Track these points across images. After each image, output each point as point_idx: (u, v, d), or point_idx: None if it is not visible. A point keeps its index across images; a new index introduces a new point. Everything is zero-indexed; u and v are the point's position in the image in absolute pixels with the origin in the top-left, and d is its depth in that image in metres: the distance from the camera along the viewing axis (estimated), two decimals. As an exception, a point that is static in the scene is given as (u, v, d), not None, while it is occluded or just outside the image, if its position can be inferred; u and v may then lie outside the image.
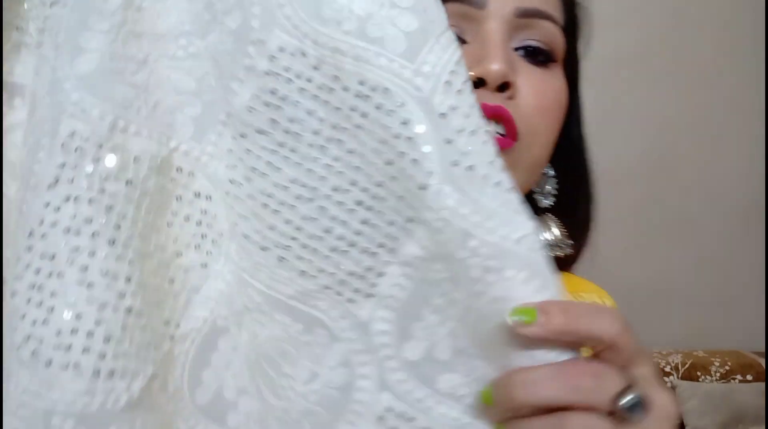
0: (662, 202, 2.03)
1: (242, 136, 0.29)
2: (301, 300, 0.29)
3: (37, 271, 0.26)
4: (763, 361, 1.83)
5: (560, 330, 0.25)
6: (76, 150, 0.26)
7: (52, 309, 0.26)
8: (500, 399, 0.26)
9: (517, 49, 0.40)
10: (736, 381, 1.79)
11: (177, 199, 0.30)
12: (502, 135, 0.38)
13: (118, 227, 0.27)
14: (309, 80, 0.28)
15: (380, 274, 0.28)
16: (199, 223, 0.31)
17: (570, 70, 0.45)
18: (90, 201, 0.26)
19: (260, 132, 0.29)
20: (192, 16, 0.30)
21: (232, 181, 0.30)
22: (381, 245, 0.28)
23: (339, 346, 0.29)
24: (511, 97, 0.38)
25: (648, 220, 1.98)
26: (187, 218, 0.31)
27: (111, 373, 0.26)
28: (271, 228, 0.29)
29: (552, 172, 0.46)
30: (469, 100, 0.26)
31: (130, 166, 0.28)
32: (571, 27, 0.45)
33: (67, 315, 0.26)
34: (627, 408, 0.25)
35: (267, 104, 0.29)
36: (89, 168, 0.27)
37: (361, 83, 0.26)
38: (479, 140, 0.26)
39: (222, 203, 0.30)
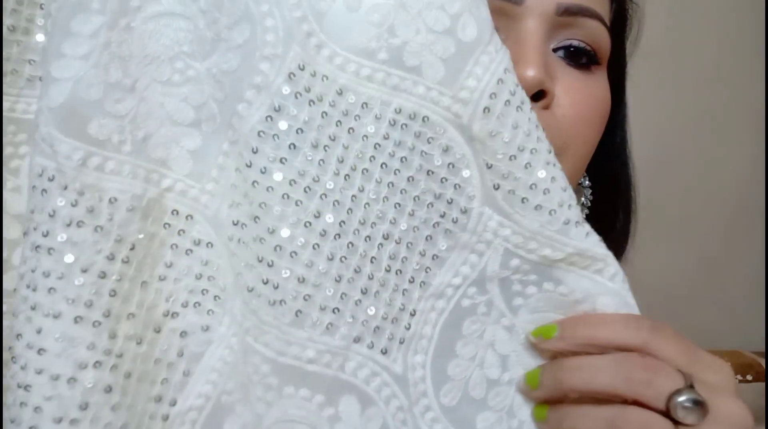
0: (662, 202, 2.03)
1: (248, 165, 0.26)
2: (324, 363, 0.25)
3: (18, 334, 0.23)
4: (763, 361, 1.83)
5: (580, 341, 0.25)
6: (42, 192, 0.23)
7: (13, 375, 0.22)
8: (548, 382, 0.26)
9: (556, 49, 0.37)
10: (736, 381, 1.79)
11: (172, 247, 0.26)
12: None
13: (81, 284, 0.23)
14: (333, 105, 0.26)
15: (413, 314, 0.27)
16: (198, 277, 0.27)
17: (615, 72, 0.41)
18: (49, 251, 0.23)
19: (274, 160, 0.26)
20: (190, 35, 0.26)
21: (235, 223, 0.26)
22: (412, 280, 0.27)
23: (373, 411, 0.25)
24: (546, 107, 0.35)
25: (648, 220, 1.97)
26: (185, 271, 0.27)
27: None
28: (285, 277, 0.24)
29: (587, 183, 0.43)
30: (510, 122, 0.26)
31: (104, 209, 0.24)
32: (619, 25, 0.41)
33: (20, 390, 0.22)
34: (682, 407, 0.25)
35: (285, 128, 0.26)
36: (51, 212, 0.23)
37: (398, 112, 0.26)
38: (520, 164, 0.26)
39: (225, 251, 0.26)
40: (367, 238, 0.26)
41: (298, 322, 0.25)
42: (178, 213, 0.26)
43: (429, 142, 0.26)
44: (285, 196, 0.25)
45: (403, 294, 0.27)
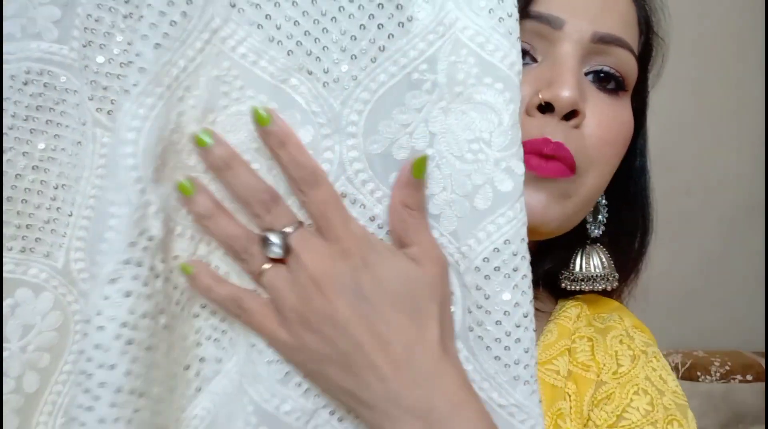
0: (662, 202, 2.01)
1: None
2: (295, 417, 0.31)
3: (88, 360, 0.27)
4: (763, 361, 1.83)
5: None
6: (144, 249, 0.28)
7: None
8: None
9: (587, 73, 0.38)
10: (736, 381, 1.79)
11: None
12: (561, 163, 0.36)
13: (156, 324, 0.29)
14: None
15: None
16: (222, 320, 0.32)
17: (637, 102, 0.43)
18: (148, 297, 0.28)
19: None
20: (257, 136, 0.31)
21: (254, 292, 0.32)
22: None
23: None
24: (577, 126, 0.37)
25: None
26: (213, 312, 0.32)
27: None
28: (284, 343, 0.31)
29: (604, 201, 0.45)
30: (495, 284, 0.31)
31: (169, 263, 0.30)
32: (645, 56, 0.43)
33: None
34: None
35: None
36: (150, 264, 0.29)
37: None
38: (492, 320, 0.31)
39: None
40: None
41: (284, 381, 0.31)
42: (218, 269, 0.32)
43: None
44: None
45: None
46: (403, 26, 0.30)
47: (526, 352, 0.31)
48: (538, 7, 0.37)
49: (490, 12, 0.30)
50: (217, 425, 0.31)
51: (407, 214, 0.31)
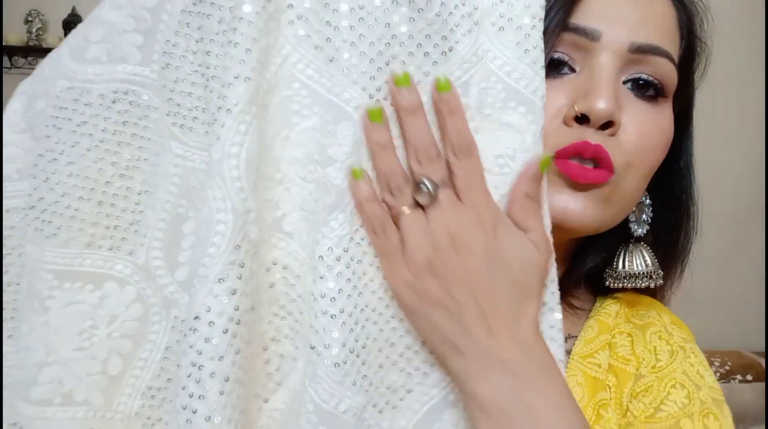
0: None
1: (337, 258, 0.34)
2: (351, 415, 0.34)
3: (199, 353, 0.31)
4: (763, 361, 1.84)
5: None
6: (246, 251, 0.32)
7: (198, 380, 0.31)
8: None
9: (626, 81, 0.39)
10: (736, 381, 1.79)
11: (285, 295, 0.36)
12: (598, 167, 0.37)
13: (252, 319, 0.33)
14: None
15: (409, 391, 0.35)
16: (296, 321, 0.35)
17: (681, 105, 0.44)
18: (248, 295, 0.32)
19: (355, 261, 0.34)
20: (320, 147, 0.35)
21: (312, 294, 0.34)
22: (417, 368, 0.35)
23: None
24: (612, 134, 0.38)
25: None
26: (289, 313, 0.36)
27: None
28: (342, 346, 0.34)
29: (648, 201, 0.46)
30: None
31: (254, 255, 0.33)
32: (687, 60, 0.43)
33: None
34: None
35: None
36: (247, 265, 0.32)
37: None
38: None
39: (309, 309, 0.35)
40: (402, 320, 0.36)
41: (341, 382, 0.33)
42: (292, 271, 0.35)
43: None
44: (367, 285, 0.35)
45: (406, 375, 0.36)
46: (445, 55, 0.34)
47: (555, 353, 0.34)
48: (576, 20, 0.38)
49: (517, 45, 0.34)
50: (288, 419, 0.35)
51: (529, 203, 0.34)
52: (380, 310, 0.35)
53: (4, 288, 0.36)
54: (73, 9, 2.16)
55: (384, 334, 0.35)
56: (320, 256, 0.33)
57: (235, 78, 0.31)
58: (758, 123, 2.05)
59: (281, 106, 0.33)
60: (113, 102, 0.34)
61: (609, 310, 0.45)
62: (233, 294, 0.31)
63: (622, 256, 0.45)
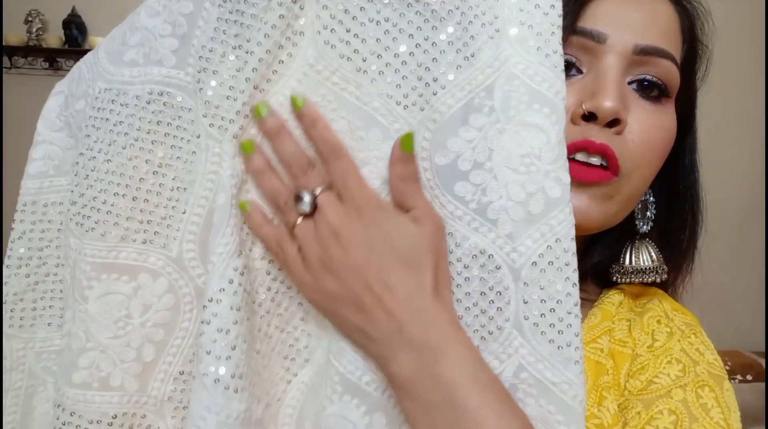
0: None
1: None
2: (374, 388, 0.36)
3: (226, 318, 0.34)
4: (763, 361, 1.84)
5: None
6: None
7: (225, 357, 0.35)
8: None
9: (631, 82, 0.41)
10: (736, 381, 1.80)
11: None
12: (604, 167, 0.39)
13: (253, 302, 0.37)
14: None
15: None
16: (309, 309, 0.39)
17: (684, 105, 0.45)
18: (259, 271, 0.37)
19: None
20: (350, 151, 0.38)
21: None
22: None
23: (384, 419, 0.37)
24: (619, 133, 0.39)
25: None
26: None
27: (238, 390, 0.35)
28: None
29: (652, 199, 0.47)
30: (548, 278, 0.35)
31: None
32: (689, 62, 0.45)
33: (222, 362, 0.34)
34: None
35: None
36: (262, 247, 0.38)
37: (472, 247, 0.36)
38: (547, 307, 0.35)
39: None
40: None
41: (366, 356, 0.36)
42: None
43: (488, 273, 0.36)
44: None
45: None
46: (467, 60, 0.35)
47: (576, 336, 0.35)
48: (583, 23, 0.40)
49: (538, 49, 0.36)
50: (315, 390, 0.38)
51: (404, 184, 0.36)
52: None
53: (43, 278, 0.39)
54: (73, 9, 2.17)
55: None
56: None
57: (246, 87, 0.35)
58: (759, 123, 2.05)
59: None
60: (148, 103, 0.36)
61: (612, 300, 0.46)
62: (246, 268, 0.35)
63: (628, 252, 0.46)
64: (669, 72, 0.41)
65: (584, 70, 0.40)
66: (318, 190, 0.36)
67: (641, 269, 0.45)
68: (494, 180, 0.36)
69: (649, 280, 0.45)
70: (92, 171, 0.37)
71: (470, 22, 0.35)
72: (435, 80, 0.35)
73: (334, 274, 0.35)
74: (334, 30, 0.35)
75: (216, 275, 0.33)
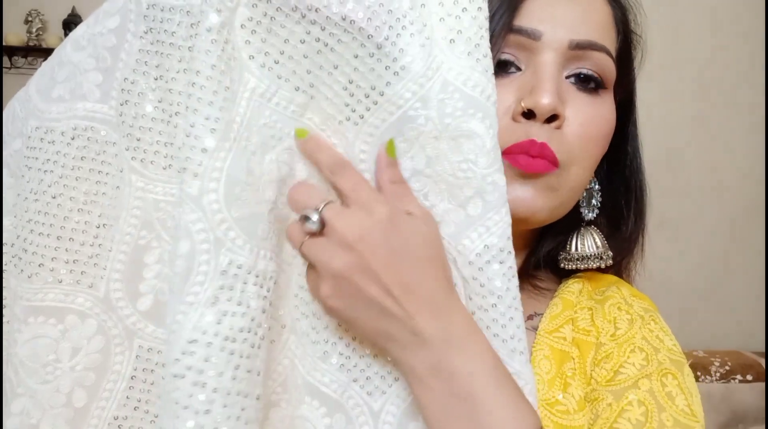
0: (662, 202, 2.01)
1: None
2: (333, 389, 0.37)
3: (200, 372, 0.32)
4: (763, 361, 1.84)
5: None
6: (235, 276, 0.34)
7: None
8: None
9: (568, 76, 0.42)
10: (736, 381, 1.79)
11: (294, 307, 0.39)
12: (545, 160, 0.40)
13: (255, 335, 0.35)
14: None
15: (396, 379, 0.38)
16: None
17: (622, 93, 0.46)
18: (243, 315, 0.34)
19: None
20: (299, 166, 0.38)
21: (301, 287, 0.38)
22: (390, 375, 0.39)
23: (343, 422, 0.38)
24: (558, 127, 0.40)
25: (648, 221, 1.97)
26: (293, 330, 0.39)
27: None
28: (325, 327, 0.38)
29: (597, 187, 0.48)
30: (486, 276, 0.37)
31: (267, 283, 0.35)
32: (625, 53, 0.46)
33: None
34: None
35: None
36: (241, 288, 0.34)
37: None
38: (489, 303, 0.37)
39: (289, 302, 0.38)
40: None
41: (324, 358, 0.38)
42: (302, 288, 0.38)
43: None
44: None
45: (388, 363, 0.39)
46: (397, 75, 0.35)
47: (518, 328, 0.37)
48: (519, 22, 0.40)
49: (468, 54, 0.36)
50: (271, 404, 0.38)
51: (396, 187, 0.37)
52: None
53: None
54: (73, 9, 2.17)
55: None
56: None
57: (206, 119, 0.33)
58: (758, 123, 2.05)
59: (260, 133, 0.35)
60: (72, 139, 0.36)
61: (572, 289, 0.47)
62: (225, 315, 0.33)
63: (574, 239, 0.47)
64: (604, 64, 0.42)
65: (522, 68, 0.41)
66: (320, 205, 0.36)
67: (586, 256, 0.47)
68: (435, 185, 0.37)
69: (594, 265, 0.47)
70: (25, 212, 0.36)
71: (398, 34, 0.35)
72: (367, 97, 0.35)
73: (349, 280, 0.35)
74: (268, 53, 0.35)
75: (187, 325, 0.32)
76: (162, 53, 0.35)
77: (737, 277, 2.08)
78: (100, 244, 0.36)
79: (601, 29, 0.42)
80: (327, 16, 0.34)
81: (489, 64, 0.36)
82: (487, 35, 0.37)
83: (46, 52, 2.23)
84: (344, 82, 0.36)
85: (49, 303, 0.36)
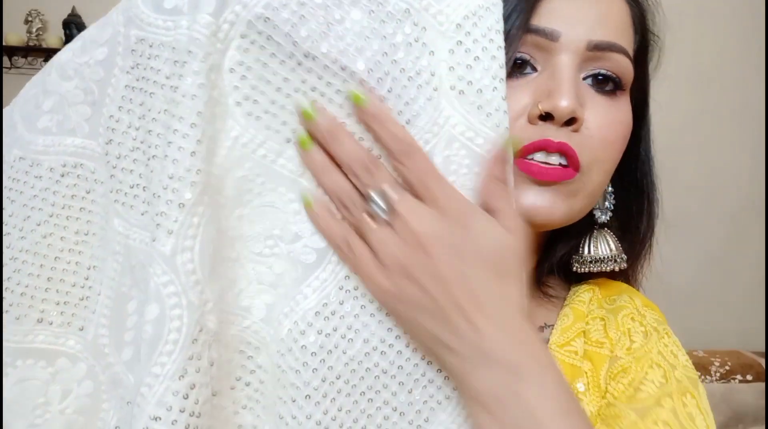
0: (662, 202, 2.00)
1: (301, 332, 0.34)
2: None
3: None
4: (763, 361, 1.84)
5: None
6: (204, 342, 0.32)
7: None
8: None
9: (585, 77, 0.41)
10: (736, 381, 1.79)
11: (242, 366, 0.35)
12: (564, 166, 0.39)
13: (212, 406, 0.33)
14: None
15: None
16: (256, 390, 0.35)
17: (638, 95, 0.45)
18: (206, 385, 0.32)
19: (323, 334, 0.34)
20: (282, 223, 0.35)
21: (277, 366, 0.34)
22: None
23: None
24: (576, 130, 0.39)
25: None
26: (247, 384, 0.35)
27: None
28: (307, 418, 0.34)
29: (610, 189, 0.47)
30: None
31: (201, 338, 0.32)
32: (641, 53, 0.45)
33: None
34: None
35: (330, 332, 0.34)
36: (206, 360, 0.32)
37: None
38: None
39: (272, 379, 0.35)
40: (370, 400, 0.35)
41: None
42: (250, 344, 0.35)
43: None
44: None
45: None
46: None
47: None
48: (537, 22, 0.39)
49: (479, 108, 0.34)
50: None
51: (496, 184, 0.34)
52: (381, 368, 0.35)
53: None
54: (73, 9, 2.16)
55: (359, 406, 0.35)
56: (294, 322, 0.34)
57: (187, 171, 0.31)
58: (758, 123, 2.05)
59: (236, 186, 0.33)
60: (62, 175, 0.34)
61: (583, 298, 0.46)
62: (192, 388, 0.31)
63: (587, 242, 0.46)
64: (622, 65, 0.41)
65: (539, 68, 0.40)
66: (389, 190, 0.33)
67: (600, 258, 0.45)
68: None
69: (608, 268, 0.45)
70: (7, 248, 0.34)
71: (404, 86, 0.33)
72: (370, 151, 0.33)
73: (416, 281, 0.32)
74: (257, 101, 0.33)
75: (152, 400, 0.30)
76: (146, 91, 0.32)
77: (737, 277, 2.08)
78: (90, 287, 0.35)
79: (619, 29, 0.41)
80: (325, 65, 0.32)
81: (502, 119, 0.34)
82: (501, 86, 0.34)
83: (46, 52, 2.22)
84: None
85: (38, 345, 0.34)
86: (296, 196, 0.34)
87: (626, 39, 0.42)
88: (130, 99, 0.33)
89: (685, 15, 2.03)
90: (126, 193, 0.34)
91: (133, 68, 0.33)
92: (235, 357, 0.35)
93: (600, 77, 0.41)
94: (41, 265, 0.34)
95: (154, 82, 0.32)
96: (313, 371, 0.33)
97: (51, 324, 0.35)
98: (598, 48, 0.40)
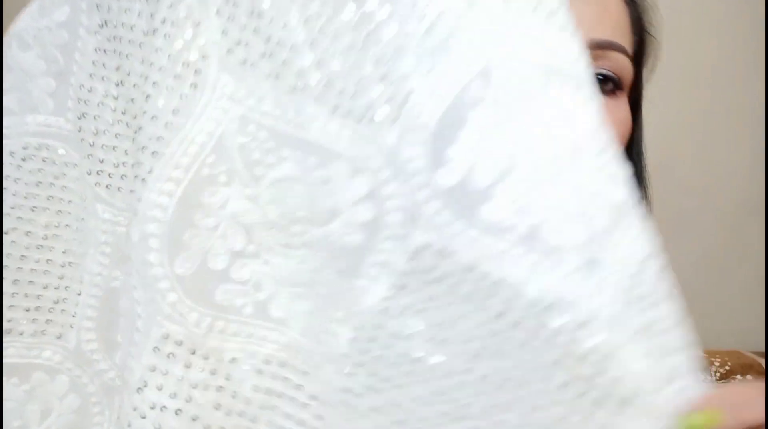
0: (662, 202, 2.00)
1: (371, 339, 0.27)
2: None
3: None
4: (763, 361, 1.84)
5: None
6: (169, 355, 0.26)
7: None
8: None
9: None
10: (736, 381, 1.79)
11: (290, 399, 0.29)
12: None
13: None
14: (456, 285, 0.25)
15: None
16: None
17: (634, 94, 0.45)
18: (176, 412, 0.26)
19: (401, 337, 0.27)
20: (309, 201, 0.27)
21: (346, 390, 0.28)
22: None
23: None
24: None
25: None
26: (300, 423, 0.29)
27: None
28: None
29: None
30: None
31: (223, 369, 0.27)
32: (639, 54, 0.45)
33: None
34: None
35: (407, 304, 0.27)
36: (180, 377, 0.26)
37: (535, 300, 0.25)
38: None
39: (335, 412, 0.28)
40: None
41: None
42: (296, 369, 0.29)
43: (562, 334, 0.28)
44: (408, 373, 0.27)
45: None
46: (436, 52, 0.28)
47: None
48: None
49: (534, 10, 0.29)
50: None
51: None
52: None
53: None
54: (72, 9, 2.16)
55: None
56: (356, 327, 0.28)
57: (149, 139, 0.26)
58: (758, 123, 2.05)
59: (239, 158, 0.27)
60: (23, 160, 0.29)
61: None
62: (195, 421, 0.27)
63: None
64: (623, 65, 0.41)
65: None
66: None
67: None
68: (533, 191, 0.26)
69: None
70: None
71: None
72: (405, 78, 0.26)
73: None
74: (249, 44, 0.26)
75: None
76: (121, 53, 0.26)
77: (737, 277, 2.08)
78: (66, 287, 0.30)
79: (619, 29, 0.42)
80: None
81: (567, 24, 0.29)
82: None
83: (45, 52, 2.23)
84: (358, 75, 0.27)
85: (8, 359, 0.29)
86: (317, 161, 0.27)
87: (626, 38, 0.43)
88: (103, 64, 0.28)
89: (683, 13, 2.03)
90: (110, 175, 0.29)
91: (102, 27, 0.27)
92: (276, 387, 0.29)
93: (600, 77, 0.41)
94: (6, 266, 0.29)
95: (130, 41, 0.26)
96: (429, 369, 0.28)
97: (21, 334, 0.30)
98: (600, 47, 0.40)
